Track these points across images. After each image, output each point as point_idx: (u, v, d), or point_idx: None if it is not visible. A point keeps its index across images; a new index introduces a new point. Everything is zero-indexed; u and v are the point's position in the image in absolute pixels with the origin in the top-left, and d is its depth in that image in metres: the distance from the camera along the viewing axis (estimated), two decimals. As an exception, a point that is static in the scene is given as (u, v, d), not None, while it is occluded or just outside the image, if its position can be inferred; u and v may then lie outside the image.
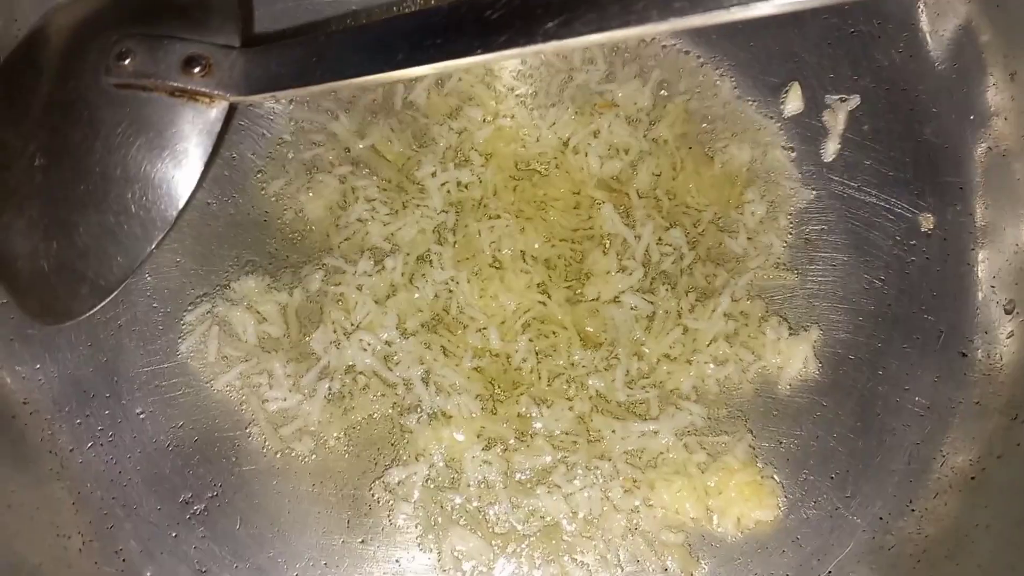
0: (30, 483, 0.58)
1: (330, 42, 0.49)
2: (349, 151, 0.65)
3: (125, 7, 0.55)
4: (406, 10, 0.66)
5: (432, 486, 0.59)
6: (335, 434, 0.60)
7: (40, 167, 0.53)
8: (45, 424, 0.60)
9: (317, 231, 0.64)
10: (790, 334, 0.61)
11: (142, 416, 0.61)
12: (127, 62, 0.52)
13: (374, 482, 0.59)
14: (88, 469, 0.60)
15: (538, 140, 0.66)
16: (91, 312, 0.54)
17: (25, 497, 0.57)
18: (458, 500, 0.59)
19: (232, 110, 0.53)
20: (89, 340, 0.61)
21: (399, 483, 0.59)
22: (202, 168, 0.53)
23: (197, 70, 0.52)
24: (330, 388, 0.60)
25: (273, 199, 0.64)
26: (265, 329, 0.62)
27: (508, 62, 0.67)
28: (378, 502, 0.59)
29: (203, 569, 0.58)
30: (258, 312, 0.62)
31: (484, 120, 0.66)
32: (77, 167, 0.53)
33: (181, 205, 0.53)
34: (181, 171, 0.53)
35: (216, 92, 0.52)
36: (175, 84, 0.52)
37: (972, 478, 0.57)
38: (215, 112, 0.53)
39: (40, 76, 0.55)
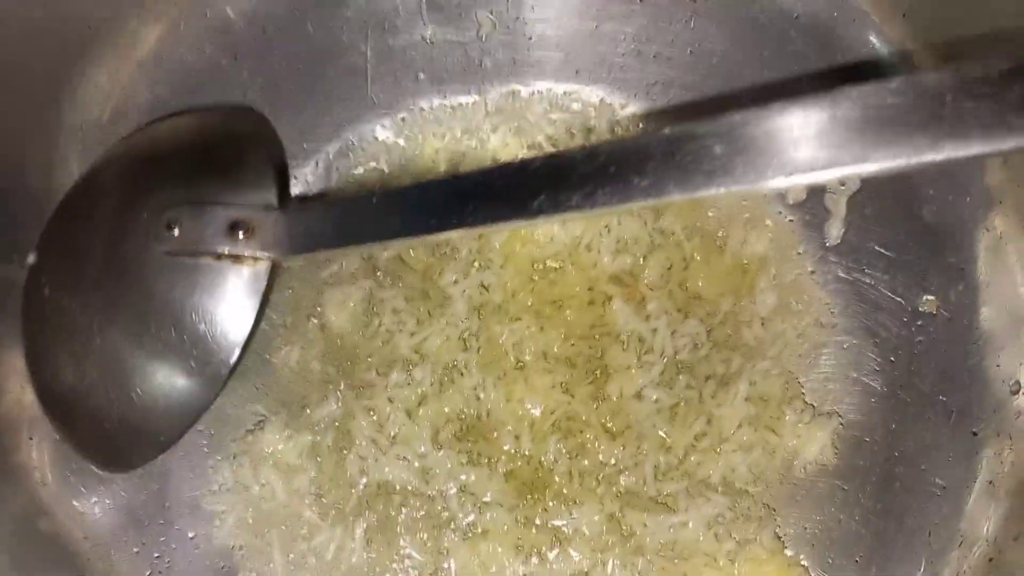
0: (97, 617, 0.61)
1: (366, 205, 0.52)
2: (371, 260, 0.68)
3: (168, 168, 0.58)
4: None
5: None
6: (378, 560, 0.63)
7: (96, 332, 0.56)
8: (105, 556, 0.63)
9: (341, 348, 0.66)
10: (811, 419, 0.64)
11: (194, 539, 0.64)
12: (175, 231, 0.55)
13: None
14: (149, 597, 0.63)
15: (552, 240, 0.68)
16: (151, 461, 0.57)
17: (95, 634, 0.60)
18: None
19: (276, 266, 0.56)
20: (140, 470, 0.64)
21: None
22: (252, 323, 0.56)
23: (241, 235, 0.54)
24: (365, 522, 0.63)
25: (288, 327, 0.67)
26: (294, 485, 0.64)
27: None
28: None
29: None
30: (286, 464, 0.64)
31: (499, 224, 0.68)
32: (133, 332, 0.56)
33: (233, 361, 0.56)
34: (232, 329, 0.56)
35: (259, 254, 0.55)
36: (221, 250, 0.55)
37: (990, 559, 0.60)
38: (260, 271, 0.56)
39: (91, 240, 0.57)
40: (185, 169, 0.58)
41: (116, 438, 0.57)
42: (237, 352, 0.55)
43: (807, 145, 0.39)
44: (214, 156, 0.58)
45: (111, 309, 0.56)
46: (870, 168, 0.38)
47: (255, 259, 0.55)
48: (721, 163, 0.40)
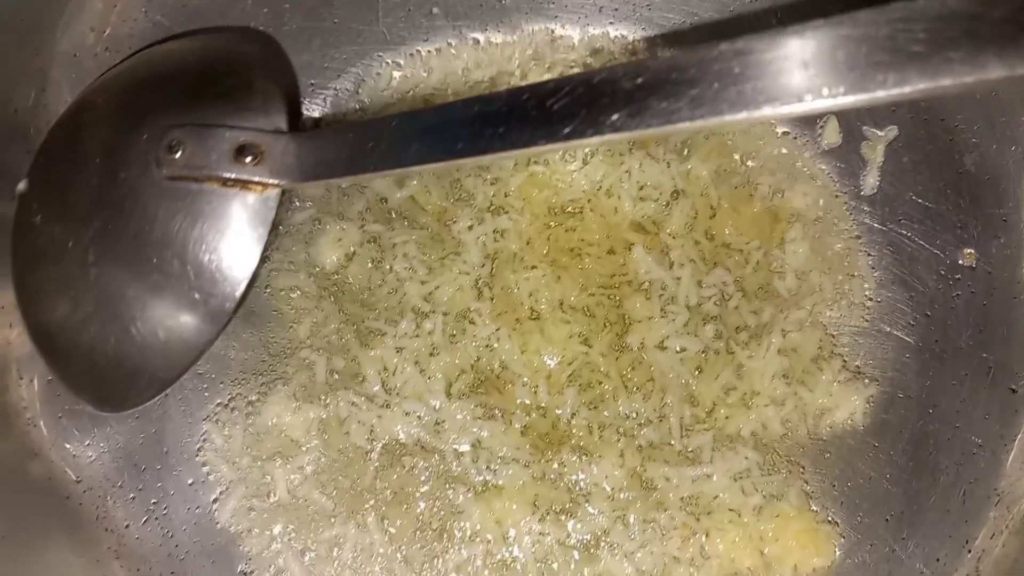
0: (89, 565, 0.58)
1: (384, 128, 0.48)
2: (383, 203, 0.64)
3: (169, 90, 0.54)
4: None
5: (494, 564, 0.59)
6: (391, 518, 0.60)
7: (92, 262, 0.52)
8: (99, 501, 0.60)
9: (347, 294, 0.63)
10: (846, 380, 0.61)
11: (193, 486, 0.61)
12: (178, 154, 0.51)
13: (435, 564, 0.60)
14: (145, 545, 0.60)
15: (570, 185, 0.65)
16: (150, 402, 0.54)
17: (87, 583, 0.58)
18: (524, 576, 0.59)
19: (285, 193, 0.52)
20: (136, 412, 0.61)
21: (458, 567, 0.59)
22: (259, 256, 0.52)
23: (249, 159, 0.51)
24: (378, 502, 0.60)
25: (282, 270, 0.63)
26: (298, 464, 0.61)
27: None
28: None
29: (268, 643, 0.59)
30: (290, 442, 0.61)
31: (515, 166, 0.65)
32: (131, 262, 0.52)
33: (239, 294, 0.52)
34: (238, 260, 0.52)
35: (269, 180, 0.51)
36: (227, 175, 0.51)
37: (1029, 519, 0.57)
38: (269, 199, 0.52)
39: (86, 165, 0.53)
40: (188, 92, 0.54)
41: (111, 375, 0.53)
42: (244, 284, 0.52)
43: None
44: (219, 79, 0.54)
45: (107, 238, 0.52)
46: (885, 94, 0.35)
47: (263, 186, 0.51)
48: (785, 81, 0.37)
